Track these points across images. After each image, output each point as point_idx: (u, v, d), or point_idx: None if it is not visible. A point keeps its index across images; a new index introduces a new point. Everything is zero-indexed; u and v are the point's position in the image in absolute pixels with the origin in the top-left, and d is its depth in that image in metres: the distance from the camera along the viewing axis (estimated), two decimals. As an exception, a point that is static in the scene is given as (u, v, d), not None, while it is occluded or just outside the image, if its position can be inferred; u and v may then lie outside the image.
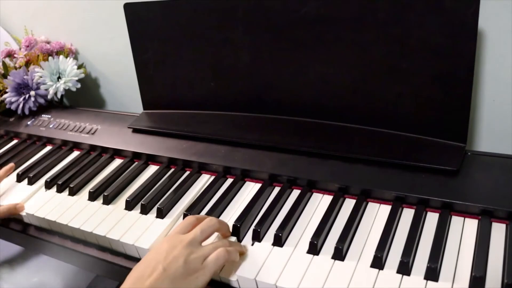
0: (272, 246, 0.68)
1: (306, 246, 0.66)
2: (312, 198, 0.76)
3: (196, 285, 0.59)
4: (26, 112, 1.13)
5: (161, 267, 0.59)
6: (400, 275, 0.60)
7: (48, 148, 1.06)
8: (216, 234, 0.71)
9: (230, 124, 0.91)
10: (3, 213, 0.86)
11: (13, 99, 1.13)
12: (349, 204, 0.73)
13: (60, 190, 0.89)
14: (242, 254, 0.67)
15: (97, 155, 0.98)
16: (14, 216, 0.87)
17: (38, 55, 1.19)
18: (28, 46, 1.21)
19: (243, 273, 0.64)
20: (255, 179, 0.82)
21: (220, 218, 0.75)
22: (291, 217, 0.71)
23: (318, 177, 0.77)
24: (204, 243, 0.65)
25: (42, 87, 1.13)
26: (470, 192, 0.68)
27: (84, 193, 0.87)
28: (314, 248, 0.66)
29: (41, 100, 1.14)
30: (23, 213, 0.86)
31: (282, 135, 0.85)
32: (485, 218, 0.65)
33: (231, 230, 0.72)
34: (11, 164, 0.98)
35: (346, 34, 0.78)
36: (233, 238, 0.70)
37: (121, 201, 0.83)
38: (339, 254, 0.64)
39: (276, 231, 0.68)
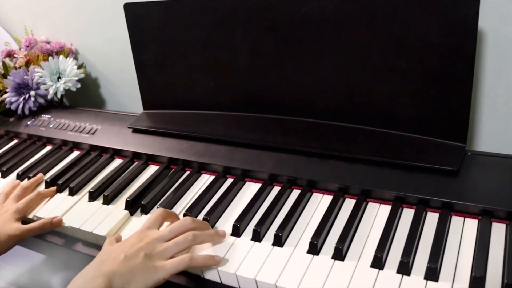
0: (272, 246, 0.68)
1: (306, 246, 0.66)
2: (312, 198, 0.76)
3: (152, 279, 0.62)
4: (26, 112, 1.13)
5: (123, 255, 0.62)
6: (400, 275, 0.60)
7: (48, 148, 1.06)
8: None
9: (230, 124, 0.91)
10: (36, 229, 0.78)
11: (13, 99, 1.13)
12: (349, 204, 0.73)
13: (60, 190, 0.89)
14: (218, 239, 0.69)
15: (97, 155, 0.98)
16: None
17: (38, 55, 1.19)
18: (28, 46, 1.21)
19: (243, 272, 0.64)
20: (255, 179, 0.82)
21: (220, 218, 0.75)
22: (291, 217, 0.71)
23: (318, 177, 0.77)
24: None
25: (42, 87, 1.13)
26: (470, 192, 0.68)
27: (84, 193, 0.87)
28: (314, 248, 0.66)
29: (41, 100, 1.14)
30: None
31: (282, 135, 0.85)
32: (485, 218, 0.65)
33: (231, 230, 0.72)
34: (40, 175, 0.94)
35: (346, 34, 0.78)
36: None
37: (121, 201, 0.83)
38: (339, 254, 0.64)
39: (276, 231, 0.68)
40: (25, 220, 0.84)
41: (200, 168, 0.87)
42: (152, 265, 0.62)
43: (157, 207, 0.78)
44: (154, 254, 0.64)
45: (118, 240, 0.71)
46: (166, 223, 0.74)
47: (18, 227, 0.79)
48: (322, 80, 0.83)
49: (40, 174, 0.94)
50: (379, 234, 0.66)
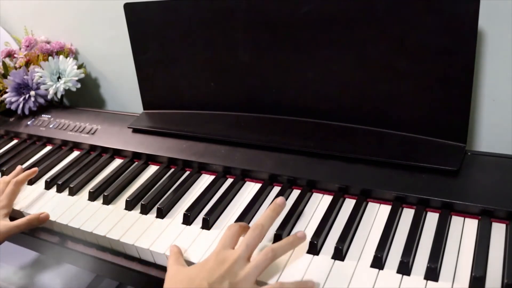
0: (272, 246, 0.68)
1: (306, 246, 0.66)
2: (312, 198, 0.76)
3: None
4: (26, 112, 1.13)
5: (206, 284, 0.57)
6: (400, 275, 0.60)
7: (48, 148, 1.06)
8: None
9: (230, 124, 0.91)
10: (24, 225, 0.80)
11: (13, 99, 1.13)
12: (349, 204, 0.73)
13: (60, 190, 0.89)
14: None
15: (97, 155, 0.98)
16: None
17: (38, 55, 1.19)
18: (28, 46, 1.21)
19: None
20: (255, 179, 0.82)
21: (220, 218, 0.75)
22: (291, 217, 0.71)
23: (318, 177, 0.77)
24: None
25: (42, 87, 1.13)
26: (470, 192, 0.68)
27: (84, 193, 0.87)
28: (314, 248, 0.66)
29: (41, 100, 1.14)
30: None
31: (282, 135, 0.85)
32: (485, 218, 0.65)
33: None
34: (35, 169, 0.93)
35: (346, 34, 0.78)
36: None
37: (121, 201, 0.83)
38: (339, 254, 0.64)
39: (276, 231, 0.68)
40: (12, 216, 0.85)
41: (200, 168, 0.87)
42: None
43: (157, 207, 0.78)
44: (238, 281, 0.57)
45: (180, 253, 0.67)
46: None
47: (5, 224, 0.80)
48: (321, 80, 0.82)
49: (19, 166, 0.94)
50: (379, 234, 0.66)
